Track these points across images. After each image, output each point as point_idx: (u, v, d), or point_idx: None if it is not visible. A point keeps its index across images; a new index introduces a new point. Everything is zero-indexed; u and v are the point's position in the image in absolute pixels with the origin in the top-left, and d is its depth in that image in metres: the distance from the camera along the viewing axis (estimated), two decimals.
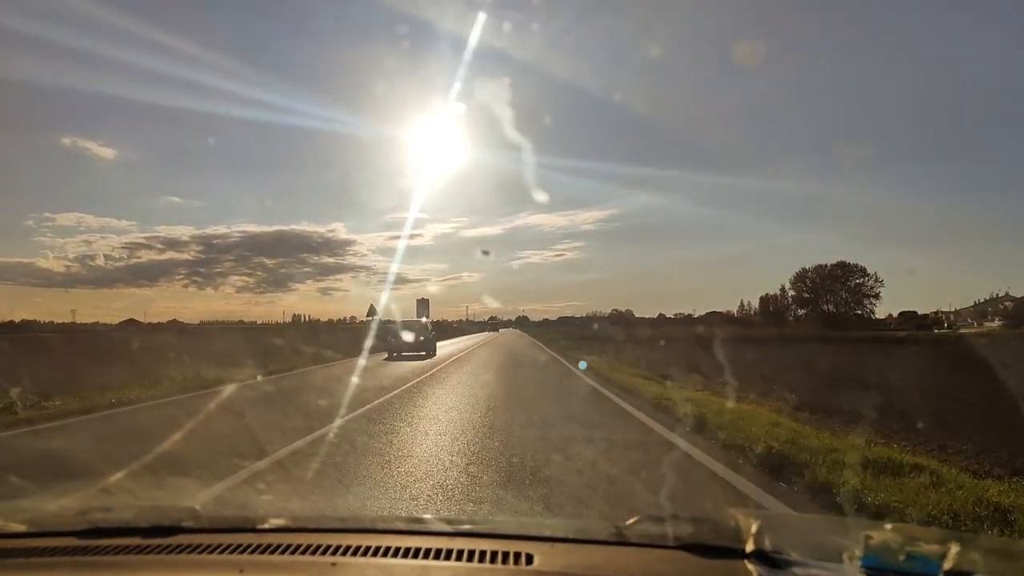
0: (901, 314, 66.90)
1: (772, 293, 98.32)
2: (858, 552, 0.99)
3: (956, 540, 1.02)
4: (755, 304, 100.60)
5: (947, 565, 0.92)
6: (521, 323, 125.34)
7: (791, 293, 78.03)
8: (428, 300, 43.64)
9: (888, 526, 1.04)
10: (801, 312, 76.37)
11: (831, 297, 71.73)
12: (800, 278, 76.35)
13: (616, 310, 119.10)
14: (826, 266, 72.73)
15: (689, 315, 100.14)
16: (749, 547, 1.05)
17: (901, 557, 0.96)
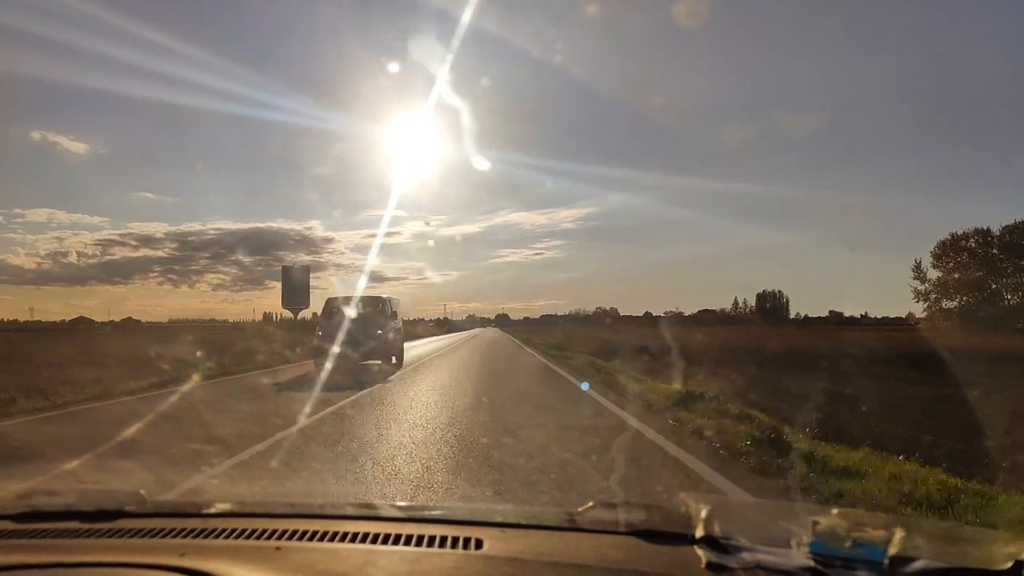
0: None
1: (769, 289, 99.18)
2: (806, 538, 0.99)
3: (901, 525, 1.02)
4: (751, 301, 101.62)
5: (892, 550, 0.93)
6: (501, 322, 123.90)
7: (933, 274, 47.27)
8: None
9: (835, 511, 1.05)
10: (946, 304, 46.68)
11: (1010, 282, 43.97)
12: (952, 247, 46.14)
13: (600, 308, 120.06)
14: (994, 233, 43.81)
15: (679, 313, 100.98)
16: (699, 532, 1.04)
17: (847, 543, 0.97)
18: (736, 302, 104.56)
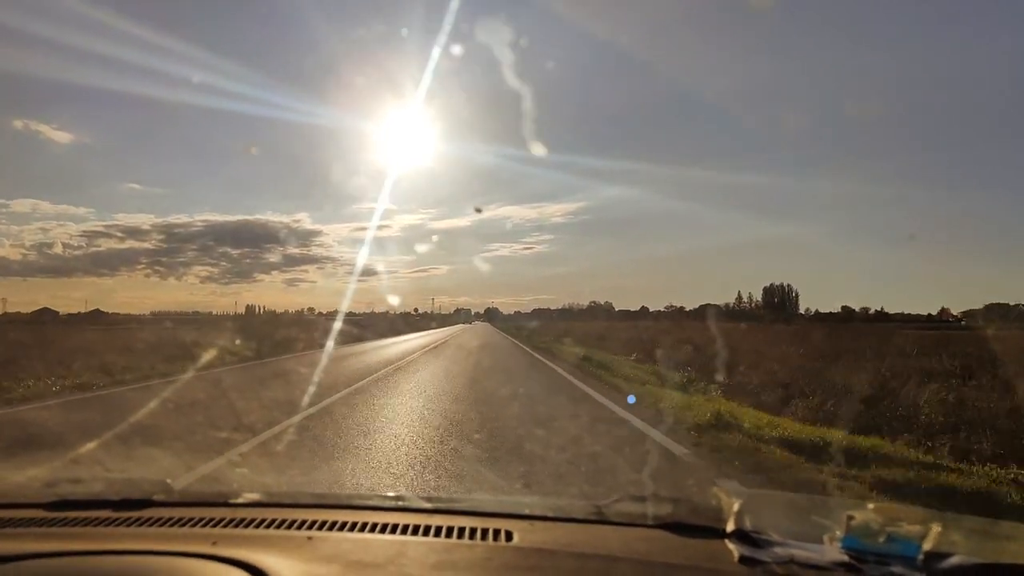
0: None
1: (777, 283, 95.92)
2: (839, 532, 0.98)
3: (938, 521, 1.02)
4: (756, 295, 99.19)
5: (927, 546, 0.92)
6: (491, 315, 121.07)
7: None
8: None
9: (871, 506, 1.04)
10: None
11: None
12: None
13: (595, 302, 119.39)
14: None
15: (680, 308, 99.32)
16: (730, 526, 1.04)
17: (882, 538, 0.96)
18: (740, 296, 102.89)
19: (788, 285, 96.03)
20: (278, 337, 22.03)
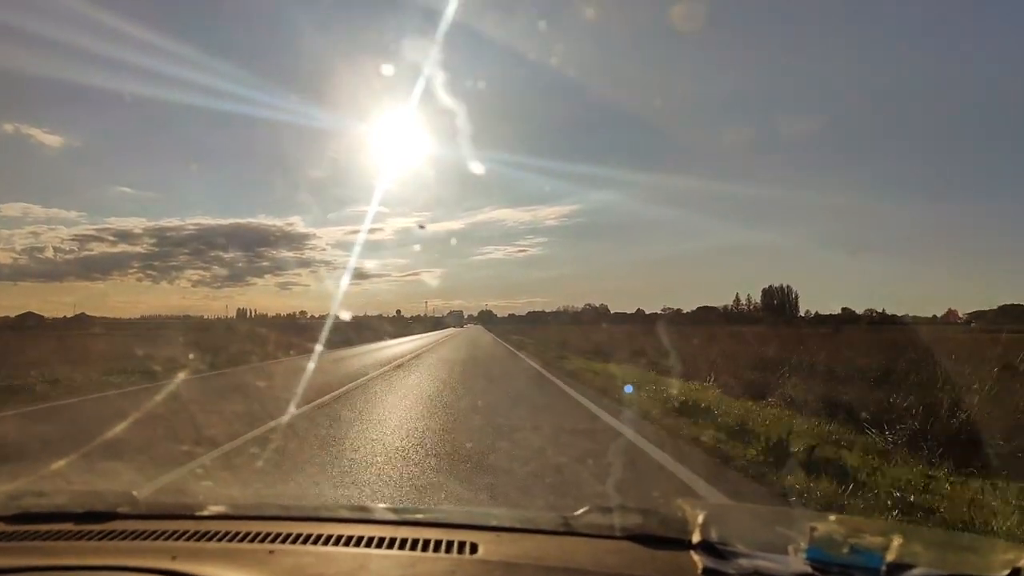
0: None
1: (776, 285, 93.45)
2: (803, 544, 0.98)
3: (899, 532, 1.02)
4: (754, 298, 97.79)
5: (890, 557, 0.92)
6: (485, 318, 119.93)
7: None
8: None
9: (832, 517, 1.04)
10: None
11: None
12: None
13: (589, 305, 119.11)
14: None
15: (678, 310, 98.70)
16: (695, 538, 1.04)
17: (845, 549, 0.96)
18: (738, 299, 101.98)
19: (788, 287, 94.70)
20: (233, 349, 18.80)
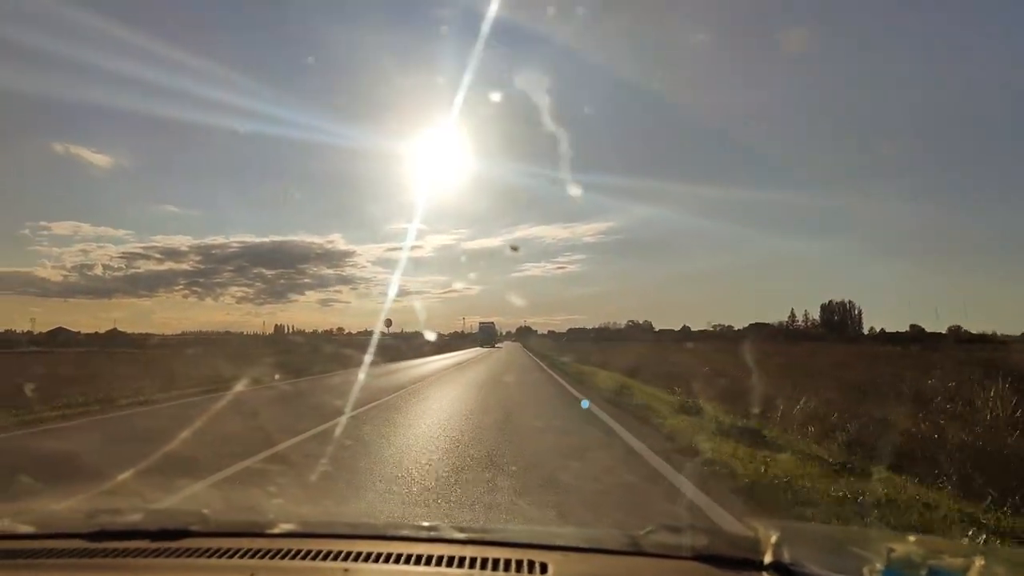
0: None
1: (837, 300, 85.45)
2: (879, 565, 0.96)
3: (981, 554, 0.99)
4: (812, 313, 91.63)
5: None
6: (523, 335, 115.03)
7: None
8: None
9: (912, 538, 1.02)
10: None
11: None
12: None
13: (632, 321, 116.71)
14: None
15: (729, 327, 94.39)
16: (767, 559, 1.03)
17: (923, 571, 0.94)
18: (793, 314, 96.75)
19: (850, 302, 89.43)
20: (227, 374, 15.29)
